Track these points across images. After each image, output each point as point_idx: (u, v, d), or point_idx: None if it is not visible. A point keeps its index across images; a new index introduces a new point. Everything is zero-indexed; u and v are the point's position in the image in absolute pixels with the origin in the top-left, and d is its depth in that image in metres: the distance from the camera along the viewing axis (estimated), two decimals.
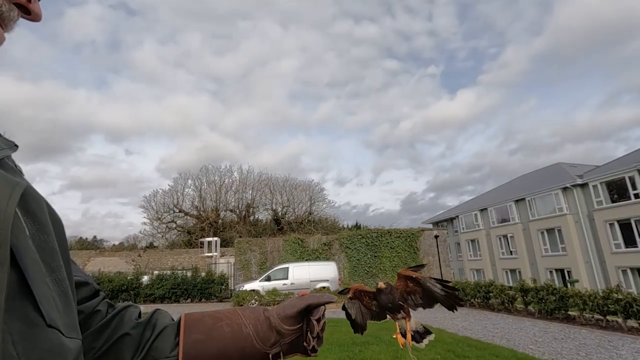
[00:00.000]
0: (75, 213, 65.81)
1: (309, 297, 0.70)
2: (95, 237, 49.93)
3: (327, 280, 16.70)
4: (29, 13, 0.50)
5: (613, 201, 24.28)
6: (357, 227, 35.56)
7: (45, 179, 55.28)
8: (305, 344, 0.68)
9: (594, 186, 25.35)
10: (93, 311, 0.59)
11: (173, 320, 0.68)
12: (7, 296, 0.33)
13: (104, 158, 61.41)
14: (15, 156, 0.50)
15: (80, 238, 46.37)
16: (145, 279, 20.34)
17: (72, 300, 0.45)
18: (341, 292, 1.26)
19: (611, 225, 24.08)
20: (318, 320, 0.68)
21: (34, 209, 0.43)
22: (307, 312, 0.69)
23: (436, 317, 12.58)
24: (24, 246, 0.38)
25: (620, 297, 9.19)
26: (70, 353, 0.40)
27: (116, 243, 45.09)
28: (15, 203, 0.37)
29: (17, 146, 0.49)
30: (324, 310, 0.70)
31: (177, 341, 0.62)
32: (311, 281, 16.66)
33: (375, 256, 19.95)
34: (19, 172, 0.49)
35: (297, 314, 0.68)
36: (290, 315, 0.67)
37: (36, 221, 0.43)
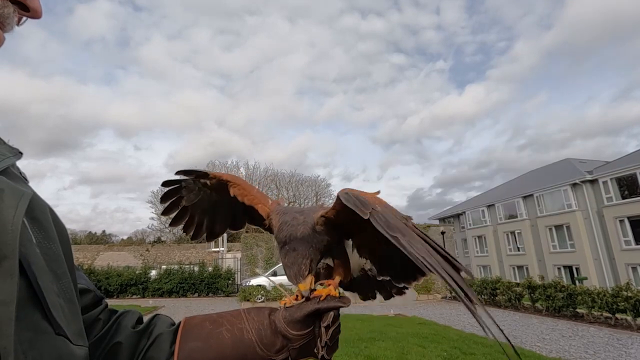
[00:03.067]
0: (85, 208, 66.61)
1: (319, 301, 0.63)
2: (104, 231, 50.55)
3: None
4: (28, 10, 0.49)
5: (623, 197, 23.92)
6: None
7: (56, 174, 56.14)
8: (315, 351, 0.63)
9: (604, 182, 24.99)
10: (94, 320, 0.58)
11: (174, 324, 0.65)
12: (17, 305, 0.34)
13: (113, 154, 62.11)
14: (27, 152, 0.50)
15: (90, 232, 47.04)
16: (153, 273, 20.58)
17: (78, 307, 0.46)
18: (182, 173, 0.82)
19: (621, 221, 23.74)
20: (327, 327, 0.61)
21: (40, 217, 0.44)
22: (317, 316, 0.63)
23: (442, 313, 12.56)
24: (31, 255, 0.39)
25: (630, 294, 9.09)
26: None
27: (124, 238, 45.69)
28: (22, 214, 0.38)
29: (21, 153, 0.49)
30: (334, 316, 0.62)
31: (172, 349, 0.59)
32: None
33: None
34: (23, 180, 0.49)
35: (304, 317, 0.62)
36: (297, 319, 0.61)
37: (42, 229, 0.43)
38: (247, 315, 0.65)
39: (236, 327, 0.63)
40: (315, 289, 0.67)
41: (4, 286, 0.33)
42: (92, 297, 0.60)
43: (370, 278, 0.81)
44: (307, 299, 0.64)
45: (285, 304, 0.66)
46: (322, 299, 0.64)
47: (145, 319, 0.66)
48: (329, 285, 0.68)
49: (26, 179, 0.50)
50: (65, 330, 0.40)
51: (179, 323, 0.64)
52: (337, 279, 0.71)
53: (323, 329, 0.62)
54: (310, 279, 0.65)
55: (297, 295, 0.67)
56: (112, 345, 0.58)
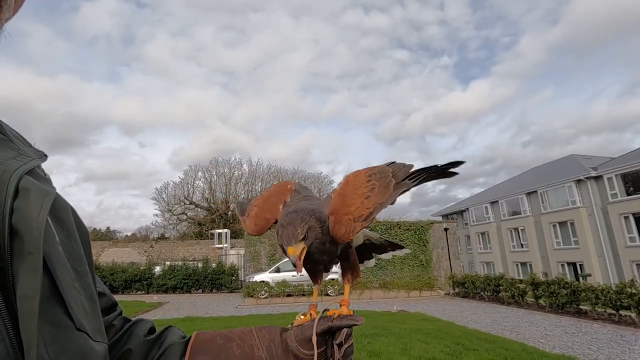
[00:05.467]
0: (90, 205, 66.86)
1: (332, 319, 0.62)
2: (108, 228, 50.90)
3: (336, 272, 16.81)
4: None
5: (628, 194, 23.75)
6: None
7: (61, 171, 56.38)
8: None
9: (609, 178, 24.82)
10: (108, 326, 0.59)
11: (184, 337, 0.66)
12: (40, 300, 0.35)
13: (117, 151, 62.10)
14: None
15: (94, 229, 47.36)
16: (157, 269, 20.73)
17: (98, 305, 0.47)
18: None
19: (626, 218, 23.60)
20: (340, 345, 0.60)
21: (63, 217, 0.45)
22: (330, 334, 0.62)
23: (445, 309, 12.57)
24: (54, 252, 0.40)
25: (634, 291, 9.06)
26: (98, 356, 0.42)
27: (129, 234, 46.01)
28: (46, 212, 0.39)
29: (46, 156, 0.51)
30: (348, 334, 0.62)
31: None
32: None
33: None
34: (48, 181, 0.50)
35: (316, 336, 0.61)
36: (309, 337, 0.60)
37: (65, 228, 0.45)
38: (258, 333, 0.65)
39: (247, 344, 0.62)
40: (328, 309, 0.66)
41: (28, 281, 0.35)
42: (107, 301, 0.61)
43: (370, 244, 0.89)
44: (320, 318, 0.63)
45: (295, 323, 0.66)
46: (335, 317, 0.63)
47: (158, 329, 0.67)
48: (342, 305, 0.66)
49: (50, 180, 0.51)
50: (86, 326, 0.41)
51: (190, 336, 0.65)
52: (347, 297, 0.69)
53: (336, 347, 0.60)
54: (302, 246, 0.61)
55: (310, 314, 0.66)
56: (123, 352, 0.59)
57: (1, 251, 0.36)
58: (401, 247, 0.90)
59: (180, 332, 0.67)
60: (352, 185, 0.69)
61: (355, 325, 0.61)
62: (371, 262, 0.89)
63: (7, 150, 0.44)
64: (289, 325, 0.66)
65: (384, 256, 0.89)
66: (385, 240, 0.88)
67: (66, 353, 0.37)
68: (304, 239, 0.61)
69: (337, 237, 0.65)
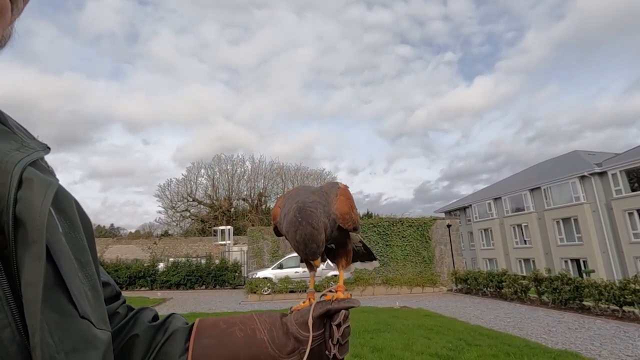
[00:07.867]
0: (94, 202, 67.20)
1: (330, 302, 0.65)
2: (112, 225, 51.26)
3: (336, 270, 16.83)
4: None
5: (633, 190, 23.61)
6: (369, 215, 35.49)
7: (66, 168, 56.64)
8: (327, 352, 0.64)
9: (613, 174, 24.67)
10: (113, 313, 0.60)
11: (187, 324, 0.67)
12: (44, 288, 0.36)
13: (122, 148, 62.40)
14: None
15: (98, 226, 47.65)
16: (161, 266, 20.86)
17: (101, 294, 0.47)
18: None
19: (630, 214, 23.47)
20: (338, 326, 0.62)
21: (66, 208, 0.46)
22: (328, 317, 0.64)
23: (447, 305, 12.58)
24: (57, 242, 0.41)
25: (637, 287, 9.03)
26: (101, 343, 0.42)
27: (132, 231, 46.25)
28: (49, 202, 0.40)
29: (49, 148, 0.51)
30: (346, 315, 0.64)
31: (187, 346, 0.61)
32: (322, 269, 16.82)
33: (386, 245, 19.96)
34: (51, 173, 0.50)
35: (316, 319, 0.63)
36: (308, 320, 0.63)
37: (68, 219, 0.45)
38: (259, 318, 0.67)
39: (249, 327, 0.64)
40: (325, 294, 0.69)
41: (32, 269, 0.36)
42: (111, 290, 0.62)
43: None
44: (318, 302, 0.67)
45: (294, 308, 0.69)
46: (333, 301, 0.66)
47: (161, 317, 0.69)
48: (338, 290, 0.69)
49: (53, 172, 0.52)
50: (89, 314, 0.42)
51: (194, 322, 0.66)
52: (342, 282, 0.73)
53: (334, 327, 0.63)
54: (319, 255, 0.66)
55: (309, 299, 0.69)
56: (130, 337, 0.60)
57: (6, 240, 0.36)
58: (372, 259, 0.91)
59: (183, 319, 0.69)
60: (348, 194, 0.76)
61: (352, 307, 0.64)
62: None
63: (10, 142, 0.44)
64: (288, 311, 0.69)
65: (355, 264, 0.91)
66: (363, 245, 0.91)
67: (70, 339, 0.38)
68: (324, 247, 0.66)
69: (346, 225, 0.71)
